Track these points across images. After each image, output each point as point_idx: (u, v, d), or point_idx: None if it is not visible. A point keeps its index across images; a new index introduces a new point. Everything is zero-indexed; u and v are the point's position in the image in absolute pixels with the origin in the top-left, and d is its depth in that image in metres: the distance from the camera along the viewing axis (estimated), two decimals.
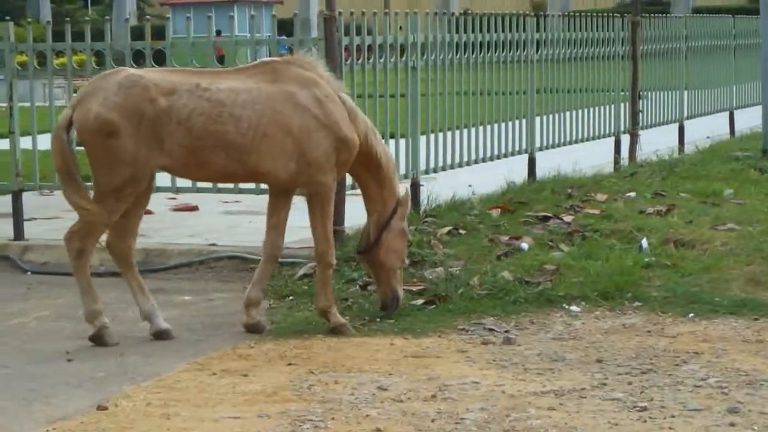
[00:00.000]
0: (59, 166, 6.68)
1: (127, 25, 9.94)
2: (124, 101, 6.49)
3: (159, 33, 10.20)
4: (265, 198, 9.91)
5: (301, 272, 8.02)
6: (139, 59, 9.44)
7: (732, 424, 5.13)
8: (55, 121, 10.13)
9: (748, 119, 16.48)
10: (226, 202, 10.61)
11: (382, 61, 9.35)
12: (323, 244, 6.79)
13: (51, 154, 6.73)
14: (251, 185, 8.91)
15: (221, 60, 9.99)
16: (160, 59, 9.39)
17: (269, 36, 9.65)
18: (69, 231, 6.72)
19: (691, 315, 7.11)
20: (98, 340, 6.70)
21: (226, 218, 10.02)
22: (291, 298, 7.66)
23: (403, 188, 7.21)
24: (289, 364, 6.16)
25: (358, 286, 7.63)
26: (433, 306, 7.23)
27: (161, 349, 6.58)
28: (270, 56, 9.34)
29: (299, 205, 10.14)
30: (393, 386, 5.74)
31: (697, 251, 8.34)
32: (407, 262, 7.37)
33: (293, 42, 9.28)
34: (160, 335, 6.78)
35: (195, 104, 6.55)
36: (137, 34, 10.25)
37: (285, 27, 9.88)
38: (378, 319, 7.06)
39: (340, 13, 8.69)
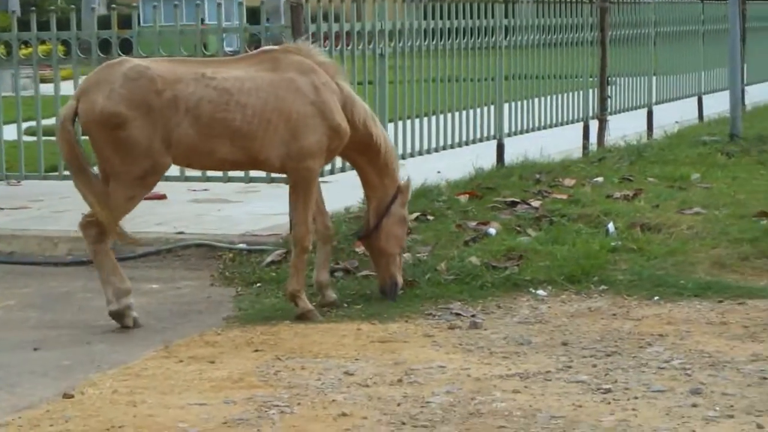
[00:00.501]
0: (68, 158, 6.67)
1: (94, 14, 9.89)
2: (131, 93, 6.49)
3: (127, 22, 10.16)
4: (233, 186, 9.98)
5: (268, 259, 8.02)
6: (106, 48, 9.42)
7: (694, 405, 5.16)
8: (24, 112, 10.16)
9: (716, 104, 16.56)
10: (194, 190, 10.60)
11: (350, 48, 9.35)
12: (302, 228, 6.82)
13: (58, 145, 6.72)
14: (219, 173, 8.93)
15: (206, 47, 9.97)
16: (126, 48, 9.37)
17: (238, 24, 9.63)
18: (85, 218, 6.72)
19: (656, 298, 7.15)
20: (119, 317, 6.70)
21: (194, 206, 10.01)
22: (258, 284, 7.66)
23: (404, 175, 7.25)
24: (256, 351, 6.17)
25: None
26: (401, 291, 7.24)
27: (128, 337, 6.58)
28: (240, 44, 9.34)
29: (266, 192, 10.19)
30: (359, 371, 5.76)
31: (663, 235, 8.39)
32: (406, 248, 7.42)
33: (259, 30, 9.27)
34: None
35: (203, 92, 6.58)
36: (105, 23, 10.20)
37: (254, 15, 9.86)
38: (345, 305, 7.09)
39: (307, 1, 8.69)
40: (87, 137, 6.71)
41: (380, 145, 7.00)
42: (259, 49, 7.16)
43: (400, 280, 7.14)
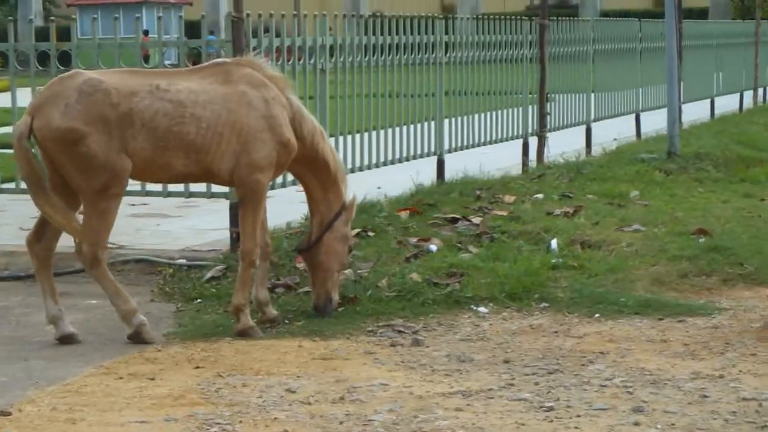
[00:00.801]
0: (27, 175, 6.54)
1: (31, 25, 9.78)
2: (87, 108, 6.43)
3: (65, 34, 10.06)
4: (172, 200, 9.90)
5: (209, 275, 7.97)
6: (44, 60, 9.32)
7: (636, 423, 5.19)
8: None
9: (654, 122, 16.71)
10: (133, 204, 10.50)
11: (290, 63, 9.32)
12: (250, 242, 6.79)
13: (16, 162, 6.60)
14: (159, 187, 8.86)
15: (146, 60, 9.90)
16: (65, 61, 9.27)
17: (177, 37, 9.56)
18: (76, 244, 6.66)
19: (597, 315, 7.19)
20: (137, 337, 6.64)
21: (133, 221, 9.92)
22: (199, 300, 7.61)
23: (351, 194, 7.24)
24: (197, 368, 6.12)
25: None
26: (342, 308, 7.22)
27: (67, 354, 6.50)
28: (179, 58, 9.28)
29: (206, 207, 10.12)
30: (301, 389, 5.72)
31: (603, 252, 8.44)
32: (346, 267, 7.39)
33: (200, 44, 9.22)
34: (66, 339, 6.70)
35: (158, 105, 6.54)
36: (43, 35, 10.10)
37: (193, 29, 9.81)
38: (286, 321, 7.05)
39: (248, 15, 8.65)
40: (42, 152, 6.60)
41: (328, 160, 7.01)
42: (211, 62, 7.13)
43: (335, 298, 7.12)
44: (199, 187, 8.63)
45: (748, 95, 23.31)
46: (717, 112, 20.79)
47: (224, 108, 6.67)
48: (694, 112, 19.16)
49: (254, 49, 8.76)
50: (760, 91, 24.22)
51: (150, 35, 23.95)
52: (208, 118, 6.62)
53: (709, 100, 20.81)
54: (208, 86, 6.70)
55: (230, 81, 6.75)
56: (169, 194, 9.12)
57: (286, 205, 8.72)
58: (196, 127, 6.60)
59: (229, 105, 6.68)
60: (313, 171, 7.03)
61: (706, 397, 5.56)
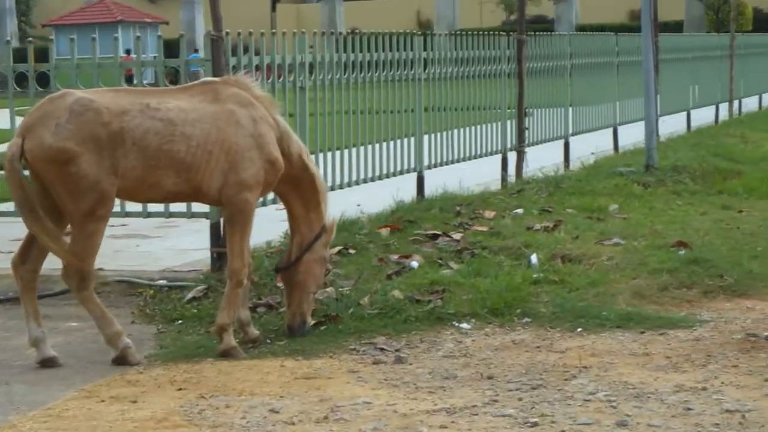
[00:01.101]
0: (19, 199, 6.48)
1: (9, 46, 9.75)
2: (78, 128, 6.40)
3: (42, 55, 10.03)
4: (152, 221, 9.87)
5: (189, 295, 7.94)
6: (22, 81, 9.30)
7: None
8: None
9: (632, 135, 16.77)
10: (112, 225, 10.44)
11: (270, 81, 9.32)
12: (238, 261, 6.78)
13: (7, 186, 6.54)
14: (138, 208, 8.83)
15: (129, 80, 9.89)
16: (43, 82, 9.25)
17: (155, 57, 9.54)
18: (62, 268, 6.63)
19: (579, 329, 7.19)
20: (123, 360, 6.63)
21: (113, 242, 9.88)
22: (180, 321, 7.58)
23: (331, 216, 7.24)
24: (179, 389, 6.09)
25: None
26: (324, 327, 7.21)
27: (48, 378, 6.46)
28: (157, 77, 9.27)
29: (186, 228, 10.09)
30: (284, 409, 5.70)
31: (583, 266, 8.45)
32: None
33: (179, 63, 9.20)
34: (47, 363, 6.66)
35: (149, 124, 6.54)
36: (20, 56, 10.07)
37: (171, 48, 9.79)
38: (268, 341, 7.03)
39: (227, 33, 8.65)
40: (32, 173, 6.54)
41: (315, 181, 7.04)
42: (199, 80, 7.15)
43: (309, 320, 7.12)
44: (179, 206, 8.61)
45: (724, 107, 23.43)
46: (693, 124, 20.88)
47: (213, 126, 6.68)
48: (671, 125, 19.23)
49: (233, 67, 8.76)
50: (736, 103, 24.35)
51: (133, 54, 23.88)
52: (198, 136, 6.63)
53: (685, 113, 20.90)
54: (198, 105, 6.71)
55: (219, 100, 6.77)
56: (149, 215, 9.09)
57: (266, 224, 8.69)
58: (186, 145, 6.60)
59: (218, 123, 6.69)
60: (297, 190, 7.04)
61: (689, 409, 5.57)
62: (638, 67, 15.40)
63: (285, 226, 7.41)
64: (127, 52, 9.65)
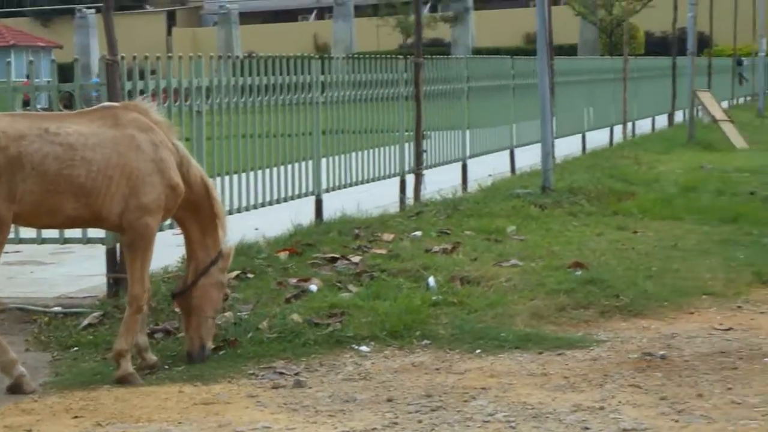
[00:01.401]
0: None
1: None
2: None
3: None
4: (47, 247, 9.73)
5: (85, 322, 7.83)
6: None
7: None
8: None
9: (528, 157, 16.94)
10: (6, 252, 10.25)
11: (166, 105, 9.24)
12: (138, 287, 6.72)
13: None
14: (32, 234, 8.70)
15: (27, 104, 9.73)
16: None
17: (49, 81, 9.42)
18: None
19: (478, 351, 7.22)
20: (17, 389, 6.50)
21: (6, 269, 9.70)
22: (76, 348, 7.46)
23: (229, 241, 7.18)
24: (75, 417, 6.00)
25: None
26: (223, 351, 7.16)
27: None
28: (51, 102, 9.15)
29: (81, 253, 9.96)
30: None
31: (482, 288, 8.50)
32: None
33: (74, 88, 9.09)
34: None
35: (48, 149, 6.46)
36: None
37: (65, 72, 9.69)
38: (166, 367, 6.96)
39: (122, 58, 8.57)
40: None
41: (215, 206, 7.02)
42: (99, 105, 7.09)
43: (209, 344, 7.06)
44: (75, 232, 8.49)
45: (618, 129, 23.80)
46: (588, 146, 21.17)
47: (114, 151, 6.62)
48: (567, 147, 19.47)
49: (129, 92, 8.68)
50: (629, 125, 24.75)
51: (17, 80, 23.59)
52: (98, 161, 6.57)
53: (580, 135, 21.18)
54: (98, 129, 6.65)
55: (119, 125, 6.71)
56: (44, 240, 8.96)
57: (163, 249, 8.59)
58: (87, 170, 6.53)
59: (118, 148, 6.64)
60: (196, 216, 7.00)
61: (587, 429, 5.62)
62: (534, 89, 15.58)
63: (182, 251, 7.34)
64: (27, 76, 9.51)
